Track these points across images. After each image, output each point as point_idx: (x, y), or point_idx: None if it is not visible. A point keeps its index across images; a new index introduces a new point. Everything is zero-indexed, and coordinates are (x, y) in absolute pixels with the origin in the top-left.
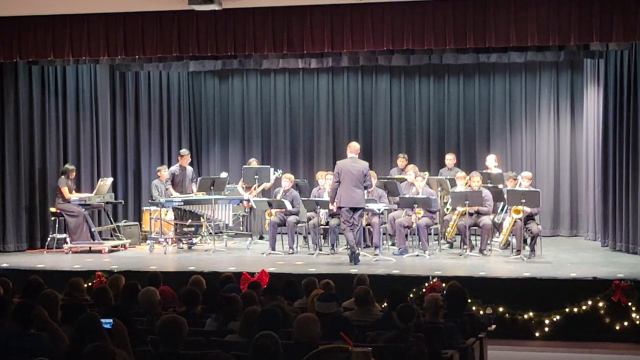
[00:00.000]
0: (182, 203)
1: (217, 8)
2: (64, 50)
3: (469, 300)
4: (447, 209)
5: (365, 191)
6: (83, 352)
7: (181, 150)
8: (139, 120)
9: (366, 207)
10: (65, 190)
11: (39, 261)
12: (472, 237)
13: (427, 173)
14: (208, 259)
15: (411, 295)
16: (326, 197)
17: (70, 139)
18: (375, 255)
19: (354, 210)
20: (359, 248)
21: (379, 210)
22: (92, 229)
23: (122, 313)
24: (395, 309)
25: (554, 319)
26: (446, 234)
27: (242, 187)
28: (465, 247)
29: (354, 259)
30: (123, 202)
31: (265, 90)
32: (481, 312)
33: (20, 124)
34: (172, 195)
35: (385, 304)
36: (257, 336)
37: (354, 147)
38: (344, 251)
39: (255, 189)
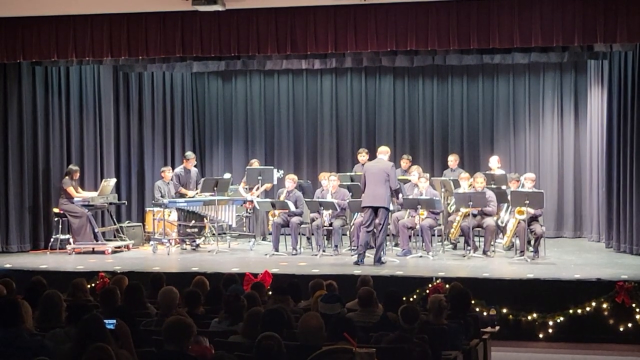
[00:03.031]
0: (186, 204)
1: (220, 9)
2: (68, 51)
3: (473, 302)
4: (450, 205)
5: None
6: (84, 353)
7: (187, 154)
8: (143, 121)
9: (390, 209)
10: (71, 190)
11: (42, 262)
12: (476, 238)
13: (427, 175)
14: (211, 260)
15: (414, 297)
16: (329, 198)
17: (73, 140)
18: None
19: (376, 210)
20: (383, 252)
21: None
22: (96, 230)
23: (125, 314)
24: (392, 310)
25: (558, 321)
26: (450, 235)
27: (244, 188)
28: (468, 248)
29: (360, 259)
30: (126, 203)
31: (269, 91)
32: (485, 314)
33: (24, 125)
34: (187, 195)
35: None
36: (260, 337)
37: (381, 149)
38: (347, 252)
39: (257, 189)
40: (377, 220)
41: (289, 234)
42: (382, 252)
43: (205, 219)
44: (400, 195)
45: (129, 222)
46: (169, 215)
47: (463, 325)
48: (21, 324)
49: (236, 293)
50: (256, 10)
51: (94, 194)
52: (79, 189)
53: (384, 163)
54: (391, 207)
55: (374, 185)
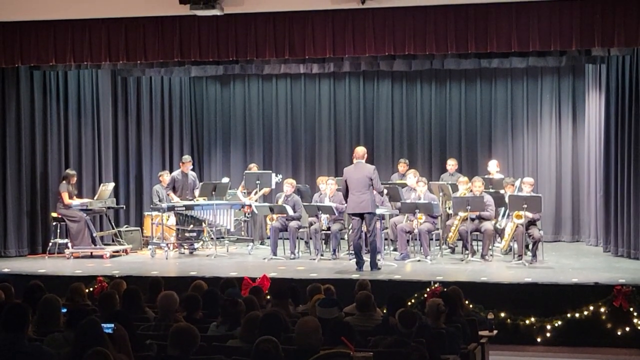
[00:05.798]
0: (184, 208)
1: (218, 13)
2: (66, 56)
3: (471, 306)
4: (448, 208)
5: (378, 195)
6: (83, 357)
7: (183, 157)
8: (141, 125)
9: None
10: (65, 195)
11: (41, 266)
12: (474, 243)
13: (425, 179)
14: (209, 264)
15: (413, 301)
16: (328, 202)
17: (71, 144)
18: (377, 260)
19: (362, 216)
20: (381, 256)
21: (380, 215)
22: (94, 234)
23: (123, 318)
24: (395, 313)
25: (556, 325)
26: (448, 239)
27: (242, 192)
28: (466, 252)
29: (359, 265)
30: (124, 207)
31: (267, 96)
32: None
33: (22, 129)
34: (172, 199)
35: (385, 309)
36: (258, 341)
37: (358, 152)
38: (346, 256)
39: (255, 193)
40: (365, 227)
41: (287, 238)
42: (379, 257)
43: (203, 223)
44: (384, 192)
45: (127, 227)
46: (167, 220)
47: (461, 329)
48: (25, 329)
49: (234, 297)
50: (254, 15)
51: (90, 200)
52: (74, 196)
53: (365, 168)
54: (380, 211)
55: (358, 191)
